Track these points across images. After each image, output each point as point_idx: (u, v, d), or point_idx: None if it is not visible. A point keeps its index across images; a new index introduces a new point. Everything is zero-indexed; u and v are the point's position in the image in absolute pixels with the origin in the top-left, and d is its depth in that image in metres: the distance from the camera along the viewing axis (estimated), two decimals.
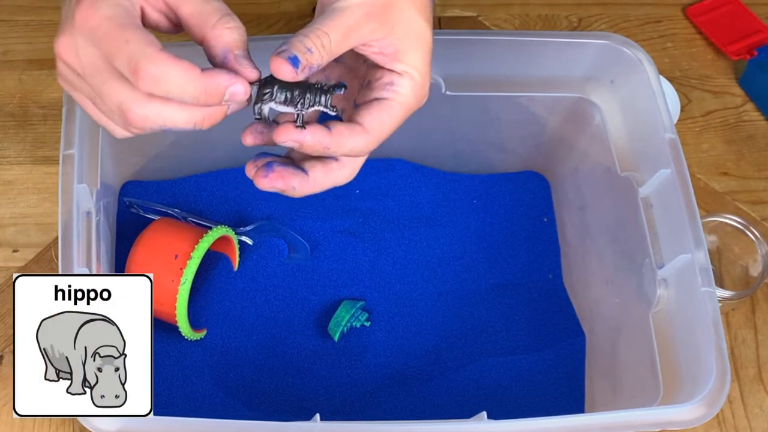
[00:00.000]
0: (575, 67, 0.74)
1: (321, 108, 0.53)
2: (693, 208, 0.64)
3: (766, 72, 0.89)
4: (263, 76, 0.52)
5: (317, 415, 0.57)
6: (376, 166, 0.83)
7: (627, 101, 0.73)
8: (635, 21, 0.97)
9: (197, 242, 0.70)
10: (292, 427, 0.57)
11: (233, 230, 0.76)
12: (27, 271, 0.77)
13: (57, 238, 0.61)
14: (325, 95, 0.53)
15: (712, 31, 0.95)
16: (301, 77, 0.51)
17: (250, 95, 0.52)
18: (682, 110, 0.89)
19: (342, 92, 0.54)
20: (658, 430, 0.58)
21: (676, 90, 0.88)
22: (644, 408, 0.59)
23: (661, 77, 0.74)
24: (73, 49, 0.51)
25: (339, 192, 0.81)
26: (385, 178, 0.83)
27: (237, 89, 0.51)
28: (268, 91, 0.52)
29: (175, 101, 0.50)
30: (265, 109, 0.53)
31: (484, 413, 0.57)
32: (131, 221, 0.77)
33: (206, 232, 0.72)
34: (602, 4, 0.98)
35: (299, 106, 0.53)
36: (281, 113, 0.54)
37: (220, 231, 0.73)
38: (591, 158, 0.77)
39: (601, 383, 0.73)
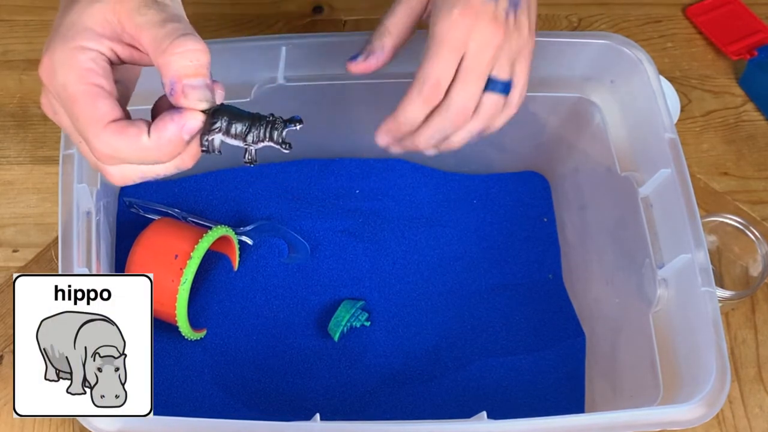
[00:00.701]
0: (575, 67, 0.74)
1: (271, 144, 0.50)
2: (693, 208, 0.64)
3: (766, 72, 0.89)
4: (214, 106, 0.48)
5: (317, 415, 0.57)
6: (375, 166, 0.83)
7: (627, 101, 0.73)
8: (635, 21, 0.97)
9: (197, 242, 0.70)
10: (292, 427, 0.57)
11: (233, 230, 0.76)
12: (27, 271, 0.77)
13: (57, 238, 0.61)
14: (277, 130, 0.50)
15: (712, 31, 0.95)
16: None
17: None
18: (682, 110, 0.89)
19: (297, 128, 0.50)
20: (658, 430, 0.58)
21: (676, 90, 0.88)
22: (644, 408, 0.59)
23: (661, 77, 0.74)
24: (51, 108, 0.50)
25: (339, 192, 0.82)
26: (385, 178, 0.83)
27: (191, 126, 0.47)
28: (216, 122, 0.49)
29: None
30: (216, 141, 0.50)
31: (484, 413, 0.57)
32: (131, 221, 0.77)
33: (206, 232, 0.71)
34: (602, 4, 0.98)
35: (248, 140, 0.50)
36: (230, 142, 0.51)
37: (220, 231, 0.73)
38: (591, 158, 0.77)
39: (601, 383, 0.73)
